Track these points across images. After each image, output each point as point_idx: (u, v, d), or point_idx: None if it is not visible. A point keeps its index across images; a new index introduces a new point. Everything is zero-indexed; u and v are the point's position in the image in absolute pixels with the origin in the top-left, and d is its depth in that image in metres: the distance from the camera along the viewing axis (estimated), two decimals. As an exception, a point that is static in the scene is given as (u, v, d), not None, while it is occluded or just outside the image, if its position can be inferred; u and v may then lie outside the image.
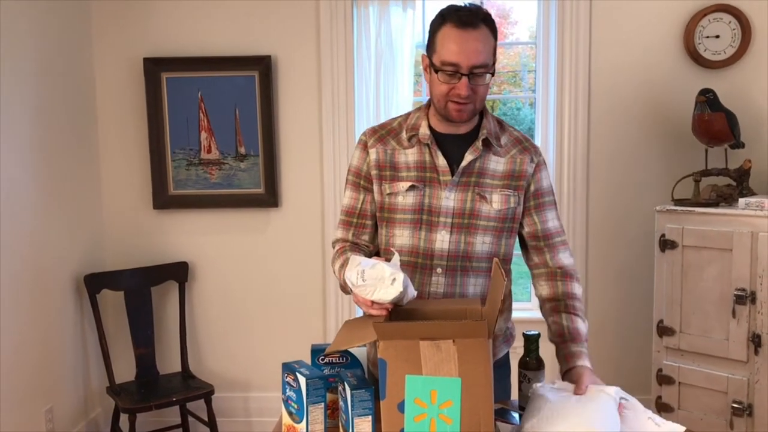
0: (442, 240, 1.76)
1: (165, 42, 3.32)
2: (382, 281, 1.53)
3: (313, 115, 3.34)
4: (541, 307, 1.84)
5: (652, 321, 2.96)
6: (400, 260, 1.70)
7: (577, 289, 1.82)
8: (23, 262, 2.78)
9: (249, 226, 3.41)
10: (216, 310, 3.47)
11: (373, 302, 1.56)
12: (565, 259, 1.83)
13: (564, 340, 1.74)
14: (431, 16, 1.76)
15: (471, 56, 1.64)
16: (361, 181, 1.84)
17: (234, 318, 3.47)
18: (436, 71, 1.68)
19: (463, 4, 1.71)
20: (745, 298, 2.64)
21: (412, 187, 1.77)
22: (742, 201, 2.73)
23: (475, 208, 1.76)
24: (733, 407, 2.70)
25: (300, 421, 1.51)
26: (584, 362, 1.69)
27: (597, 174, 3.29)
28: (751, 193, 2.90)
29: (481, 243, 1.77)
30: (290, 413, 1.55)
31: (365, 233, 1.86)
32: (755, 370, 2.65)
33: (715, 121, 2.91)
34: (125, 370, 3.27)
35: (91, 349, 3.28)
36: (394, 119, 1.88)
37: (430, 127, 1.78)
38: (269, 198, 3.35)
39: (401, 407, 1.34)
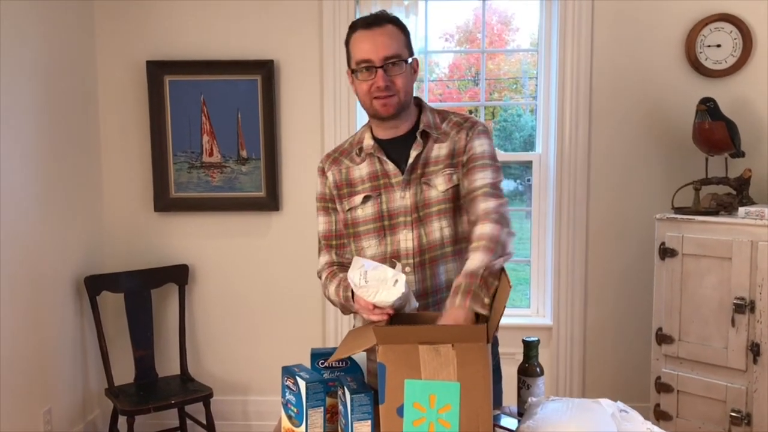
0: (406, 239, 1.80)
1: (168, 45, 3.33)
2: (385, 282, 1.55)
3: (315, 119, 3.35)
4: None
5: (651, 329, 2.96)
6: None
7: (486, 228, 1.67)
8: (24, 263, 2.78)
9: (250, 229, 3.42)
10: (216, 313, 3.47)
11: (374, 306, 1.57)
12: (481, 205, 1.72)
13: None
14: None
15: (380, 49, 1.72)
16: (328, 204, 1.92)
17: (233, 321, 3.47)
18: (354, 72, 1.76)
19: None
20: (744, 306, 2.65)
21: (366, 198, 1.83)
22: (742, 210, 2.73)
23: (424, 198, 1.80)
24: (731, 416, 2.70)
25: (299, 425, 1.51)
26: (457, 300, 1.54)
27: (597, 181, 3.30)
28: (751, 202, 2.90)
29: (439, 229, 1.80)
30: (290, 417, 1.55)
31: (347, 251, 1.92)
32: (754, 379, 2.65)
33: (715, 130, 2.92)
34: (124, 373, 3.27)
35: (90, 351, 3.28)
36: (345, 141, 1.96)
37: (374, 138, 1.84)
38: (270, 202, 3.36)
39: (400, 411, 1.35)
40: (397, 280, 1.55)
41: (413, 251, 1.80)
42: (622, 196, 3.30)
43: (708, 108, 2.92)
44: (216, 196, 3.37)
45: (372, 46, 1.72)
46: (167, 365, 3.42)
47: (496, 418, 1.72)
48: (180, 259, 3.42)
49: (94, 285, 3.15)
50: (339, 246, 1.93)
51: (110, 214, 3.43)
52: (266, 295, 3.45)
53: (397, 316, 1.60)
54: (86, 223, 3.28)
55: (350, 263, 1.84)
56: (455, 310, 1.52)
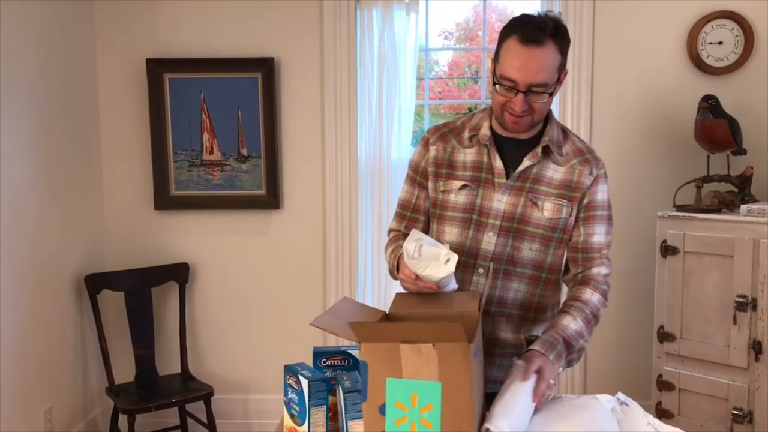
0: (489, 241, 1.77)
1: (168, 43, 3.32)
2: (437, 259, 1.56)
3: (316, 117, 3.34)
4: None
5: (652, 327, 2.96)
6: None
7: (589, 294, 1.74)
8: (24, 261, 2.77)
9: (250, 227, 3.41)
10: (216, 311, 3.46)
11: (417, 277, 1.59)
12: (595, 269, 1.77)
13: (545, 330, 1.72)
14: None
15: (530, 75, 1.62)
16: (417, 176, 1.88)
17: (234, 320, 3.46)
18: (495, 82, 1.68)
19: (535, 14, 1.66)
20: (746, 304, 2.64)
21: (464, 186, 1.78)
22: (743, 207, 2.73)
23: (525, 214, 1.75)
24: (733, 414, 2.69)
25: (302, 424, 1.51)
26: (542, 349, 1.61)
27: (599, 179, 3.29)
28: (753, 200, 2.90)
29: (528, 249, 1.77)
30: (292, 415, 1.55)
31: (417, 227, 1.88)
32: (756, 377, 2.65)
33: (717, 128, 2.92)
34: (125, 371, 3.26)
35: (90, 350, 3.27)
36: (458, 118, 1.90)
37: (492, 129, 1.78)
38: (271, 200, 3.35)
39: (382, 410, 1.34)
40: (448, 259, 1.56)
41: (492, 256, 1.77)
42: (624, 194, 3.28)
43: (710, 105, 2.92)
44: (216, 195, 3.36)
45: (522, 68, 1.61)
46: (168, 364, 3.41)
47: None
48: (180, 257, 3.41)
49: (95, 283, 3.14)
50: (412, 219, 1.90)
51: (110, 212, 3.43)
52: (267, 293, 3.44)
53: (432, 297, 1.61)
54: (86, 222, 3.28)
55: None
56: (539, 356, 1.58)
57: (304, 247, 3.41)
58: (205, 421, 3.14)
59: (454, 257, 1.56)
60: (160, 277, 3.34)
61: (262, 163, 3.33)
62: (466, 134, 1.82)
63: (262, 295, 3.44)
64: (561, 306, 1.79)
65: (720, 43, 3.14)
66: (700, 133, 2.96)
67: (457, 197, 1.79)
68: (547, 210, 1.75)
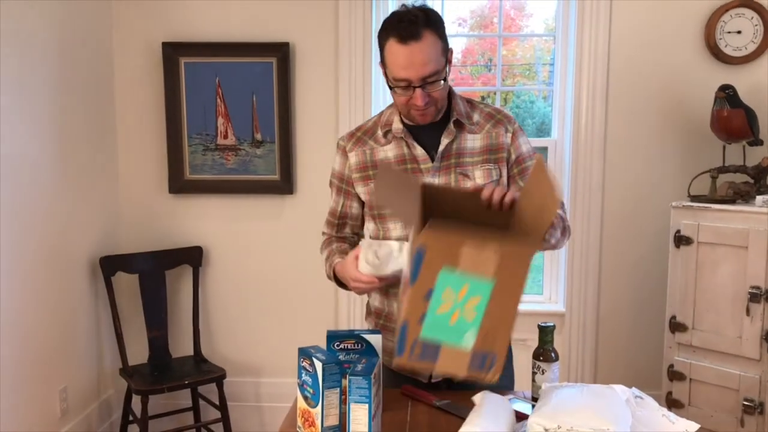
0: None
1: (184, 27, 3.33)
2: (393, 254, 1.61)
3: (330, 103, 3.34)
4: None
5: (664, 317, 2.96)
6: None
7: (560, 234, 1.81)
8: (39, 243, 2.80)
9: (264, 212, 3.43)
10: (229, 294, 3.49)
11: (379, 279, 1.65)
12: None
13: None
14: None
15: (419, 69, 1.66)
16: (343, 185, 1.93)
17: (247, 303, 3.49)
18: (391, 87, 1.72)
19: (403, 9, 1.69)
20: (759, 296, 2.63)
21: None
22: (759, 198, 2.71)
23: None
24: (744, 405, 2.69)
25: (315, 406, 1.52)
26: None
27: (613, 168, 3.28)
28: (769, 191, 2.88)
29: None
30: (306, 398, 1.56)
31: (346, 228, 2.00)
32: (767, 368, 2.64)
33: (734, 118, 2.89)
34: (138, 353, 3.30)
35: (104, 331, 3.31)
36: (369, 120, 1.93)
37: (403, 121, 1.81)
38: (284, 185, 3.36)
39: (428, 296, 1.34)
40: (401, 247, 1.61)
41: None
42: (638, 183, 3.28)
43: (727, 95, 2.90)
44: (230, 179, 3.38)
45: (409, 64, 1.65)
46: (181, 346, 3.45)
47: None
48: (194, 241, 3.43)
49: (109, 266, 3.17)
50: (341, 225, 1.99)
51: (125, 195, 3.45)
52: (279, 277, 3.46)
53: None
54: (102, 204, 3.30)
55: (348, 236, 2.00)
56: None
57: (317, 232, 3.40)
58: (217, 403, 3.17)
59: (405, 244, 1.59)
60: (174, 260, 3.36)
61: (276, 148, 3.34)
62: (380, 132, 1.85)
63: (274, 279, 3.47)
64: None
65: (738, 32, 3.11)
66: (717, 123, 2.94)
67: None
68: (478, 177, 1.79)
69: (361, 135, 1.89)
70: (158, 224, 3.45)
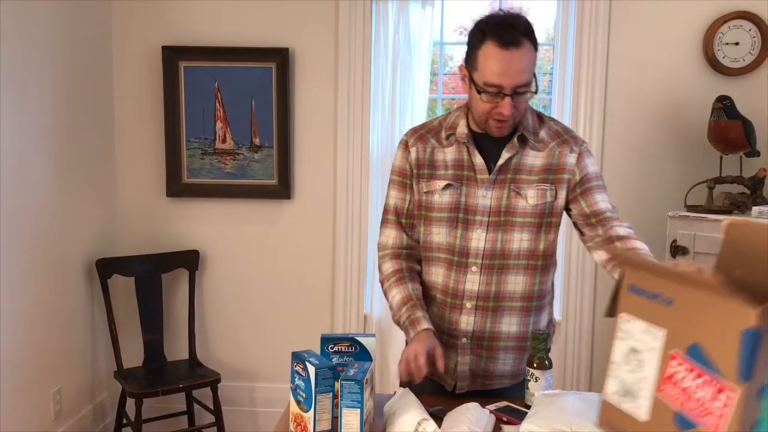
0: (478, 238, 1.77)
1: (184, 31, 3.34)
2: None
3: (329, 109, 3.35)
4: (605, 267, 1.72)
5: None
6: (438, 257, 1.79)
7: (639, 244, 1.72)
8: (36, 244, 2.80)
9: (261, 217, 3.43)
10: (225, 299, 3.49)
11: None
12: (621, 230, 1.75)
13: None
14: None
15: (514, 77, 1.62)
16: (407, 180, 1.86)
17: (243, 308, 3.49)
18: (479, 91, 1.66)
19: (502, 13, 1.66)
20: (755, 306, 2.63)
21: (448, 186, 1.78)
22: (755, 209, 2.71)
23: (510, 205, 1.76)
24: (738, 415, 2.68)
25: (308, 410, 1.52)
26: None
27: (610, 177, 3.27)
28: (765, 202, 2.89)
29: (519, 240, 1.77)
30: (298, 402, 1.56)
31: (414, 232, 1.87)
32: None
33: (731, 129, 2.90)
34: (133, 356, 3.30)
35: (100, 334, 3.31)
36: (435, 119, 1.89)
37: (468, 127, 1.78)
38: (282, 190, 3.37)
39: (761, 394, 1.04)
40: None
41: (484, 253, 1.77)
42: (635, 193, 3.28)
43: (724, 106, 2.91)
44: (228, 183, 3.38)
45: (506, 72, 1.61)
46: (176, 350, 3.44)
47: (509, 411, 1.72)
48: (191, 244, 3.43)
49: (106, 268, 3.17)
50: (409, 225, 1.88)
51: (123, 198, 3.45)
52: (276, 282, 3.46)
53: None
54: (99, 207, 3.30)
55: (415, 248, 1.86)
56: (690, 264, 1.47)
57: (314, 237, 3.43)
58: (212, 407, 3.16)
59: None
60: (171, 263, 3.36)
61: (275, 153, 3.34)
62: (443, 134, 1.82)
63: (271, 284, 3.46)
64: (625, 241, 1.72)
65: (736, 43, 3.13)
66: (714, 133, 2.95)
67: (442, 197, 1.79)
68: (531, 197, 1.76)
69: (425, 132, 1.85)
70: (155, 227, 3.45)
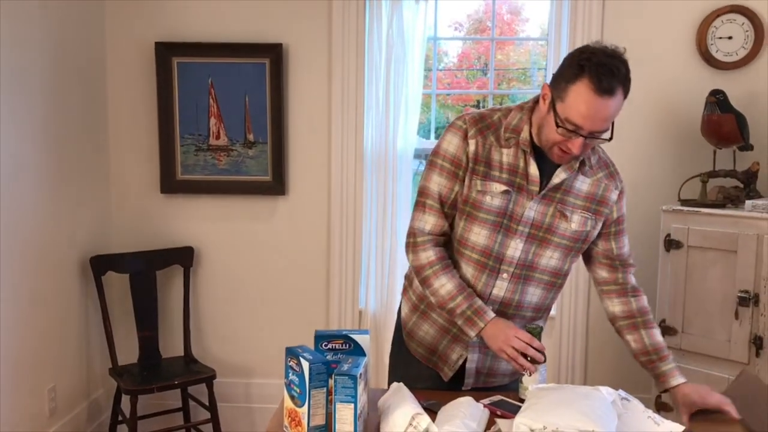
0: (515, 248, 1.78)
1: (177, 27, 3.33)
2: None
3: (323, 104, 3.35)
4: (613, 322, 1.89)
5: (654, 320, 2.96)
6: (470, 256, 1.79)
7: (647, 303, 1.88)
8: (30, 241, 2.80)
9: (255, 213, 3.43)
10: (220, 295, 3.48)
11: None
12: (633, 279, 1.90)
13: (651, 359, 1.84)
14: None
15: (598, 124, 1.61)
16: (459, 171, 1.78)
17: (237, 304, 3.48)
18: (557, 124, 1.62)
19: (607, 52, 1.61)
20: (748, 300, 2.64)
21: (505, 192, 1.75)
22: (748, 203, 2.72)
23: (553, 224, 1.77)
24: (732, 408, 2.70)
25: (302, 405, 1.52)
26: (680, 379, 1.78)
27: (604, 172, 3.29)
28: (758, 196, 2.89)
29: (549, 257, 1.80)
30: (292, 397, 1.56)
31: (447, 225, 1.83)
32: (756, 371, 2.65)
33: (724, 123, 2.91)
34: (128, 353, 3.29)
35: (94, 331, 3.30)
36: (494, 112, 1.81)
37: (530, 134, 1.74)
38: (276, 186, 3.36)
39: None
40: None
41: (517, 261, 1.78)
42: (629, 187, 3.21)
43: (717, 100, 2.91)
44: (222, 179, 3.37)
45: (592, 117, 1.58)
46: (171, 346, 3.44)
47: (502, 404, 1.73)
48: (185, 241, 3.43)
49: (100, 265, 3.16)
50: (448, 216, 1.82)
51: (117, 195, 3.44)
52: (270, 278, 3.46)
53: None
54: (93, 204, 3.30)
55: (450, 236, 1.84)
56: (691, 387, 1.77)
57: (309, 233, 3.42)
58: (207, 403, 3.16)
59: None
60: (165, 260, 3.36)
61: (269, 149, 3.34)
62: (503, 133, 1.76)
63: (266, 281, 3.46)
64: (635, 318, 1.87)
65: (730, 38, 3.13)
66: (707, 127, 2.96)
67: (493, 200, 1.75)
68: (575, 222, 1.77)
69: (485, 127, 1.77)
70: (149, 224, 3.44)
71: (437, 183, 1.80)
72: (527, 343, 1.66)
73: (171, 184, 3.38)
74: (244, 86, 3.31)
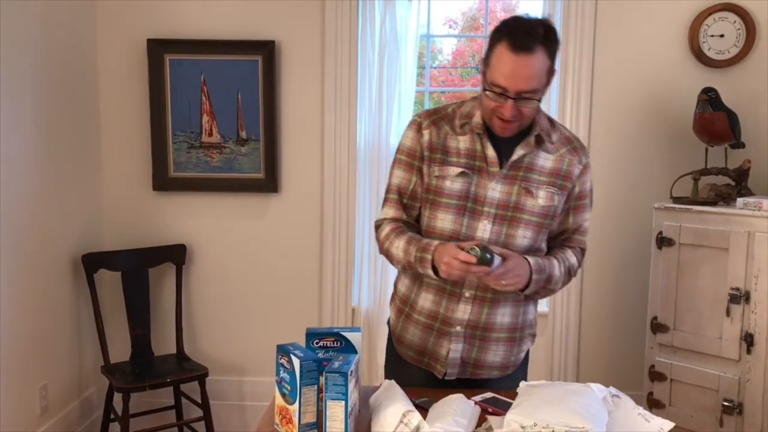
0: (484, 229, 1.78)
1: (169, 24, 3.32)
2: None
3: (316, 102, 3.34)
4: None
5: (646, 317, 2.97)
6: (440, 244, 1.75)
7: (571, 254, 1.87)
8: (21, 239, 2.78)
9: (248, 210, 3.42)
10: (212, 293, 3.48)
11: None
12: (582, 241, 1.91)
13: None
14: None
15: (519, 83, 1.63)
16: (415, 161, 1.85)
17: (230, 302, 3.48)
18: (485, 89, 1.68)
19: (525, 17, 1.67)
20: (739, 297, 2.65)
21: (461, 173, 1.78)
22: (740, 201, 2.73)
23: (520, 202, 1.77)
24: (723, 405, 2.71)
25: (293, 403, 1.52)
26: (533, 263, 1.74)
27: (597, 169, 3.25)
28: (750, 193, 2.91)
29: (522, 237, 1.79)
30: (283, 395, 1.56)
31: (414, 213, 1.88)
32: (747, 369, 2.66)
33: (716, 121, 2.92)
34: (120, 350, 3.28)
35: (86, 329, 3.29)
36: (448, 105, 1.89)
37: (483, 118, 1.78)
38: (269, 183, 3.36)
39: None
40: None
41: (487, 244, 1.76)
42: (621, 185, 3.30)
43: (709, 98, 2.92)
44: (215, 177, 3.36)
45: (512, 76, 1.63)
46: (163, 344, 3.43)
47: (495, 402, 1.73)
48: (178, 238, 3.42)
49: (92, 263, 3.15)
50: (409, 207, 1.87)
51: (109, 192, 3.43)
52: (263, 276, 3.46)
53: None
54: (84, 201, 3.28)
55: (415, 225, 1.87)
56: (518, 257, 1.70)
57: (302, 231, 3.42)
58: (199, 401, 3.15)
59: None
60: (157, 257, 3.35)
61: (261, 146, 3.33)
62: (458, 121, 1.82)
63: (258, 278, 3.46)
64: (551, 251, 1.87)
65: (721, 35, 3.14)
66: (699, 125, 2.97)
67: (453, 184, 1.79)
68: (542, 198, 1.78)
69: (439, 118, 1.85)
70: (142, 221, 3.43)
71: (397, 176, 1.88)
72: (465, 263, 1.62)
73: (163, 182, 3.37)
74: (237, 83, 3.30)
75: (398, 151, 1.88)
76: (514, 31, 1.63)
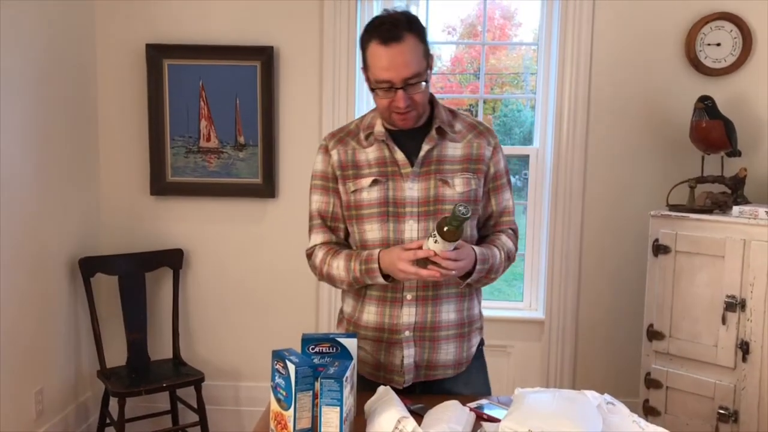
0: (411, 229, 1.80)
1: (168, 29, 3.33)
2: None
3: (314, 107, 3.35)
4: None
5: (642, 325, 2.98)
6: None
7: (508, 242, 1.89)
8: (19, 243, 2.78)
9: (245, 215, 3.42)
10: (209, 298, 3.48)
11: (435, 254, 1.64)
12: (506, 226, 1.92)
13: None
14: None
15: (401, 70, 1.69)
16: (330, 184, 1.89)
17: (227, 307, 3.48)
18: (373, 89, 1.75)
19: (384, 14, 1.74)
20: (735, 305, 2.66)
21: (375, 182, 1.82)
22: (736, 209, 2.74)
23: (438, 194, 1.80)
24: (719, 413, 2.71)
25: (288, 408, 1.52)
26: (478, 252, 1.76)
27: (593, 177, 3.30)
28: (746, 202, 2.91)
29: None
30: (278, 400, 1.56)
31: (341, 234, 1.92)
32: (742, 376, 2.67)
33: (712, 129, 2.93)
34: (116, 355, 3.28)
35: (83, 333, 3.29)
36: (350, 122, 1.95)
37: (385, 126, 1.83)
38: (266, 188, 3.36)
39: None
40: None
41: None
42: (618, 192, 3.30)
43: (706, 106, 2.93)
44: (212, 182, 3.37)
45: (391, 66, 1.69)
46: (160, 349, 3.43)
47: (482, 407, 1.73)
48: (175, 243, 3.42)
49: (89, 267, 3.15)
50: (334, 228, 1.92)
51: (106, 196, 3.44)
52: (260, 281, 3.46)
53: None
54: (82, 205, 3.29)
55: (345, 244, 1.91)
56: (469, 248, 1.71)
57: (298, 236, 3.39)
58: (196, 406, 3.15)
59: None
60: (155, 262, 3.35)
61: (259, 151, 3.34)
62: (362, 134, 1.86)
63: (255, 284, 3.46)
64: (487, 239, 1.90)
65: (718, 44, 3.15)
66: (696, 133, 2.98)
67: (370, 194, 1.81)
68: (458, 185, 1.81)
69: (344, 136, 1.90)
70: (139, 226, 3.43)
71: (315, 201, 1.93)
72: (412, 259, 1.65)
73: (161, 186, 3.38)
74: (235, 88, 3.31)
75: (312, 177, 1.93)
76: (379, 27, 1.70)
